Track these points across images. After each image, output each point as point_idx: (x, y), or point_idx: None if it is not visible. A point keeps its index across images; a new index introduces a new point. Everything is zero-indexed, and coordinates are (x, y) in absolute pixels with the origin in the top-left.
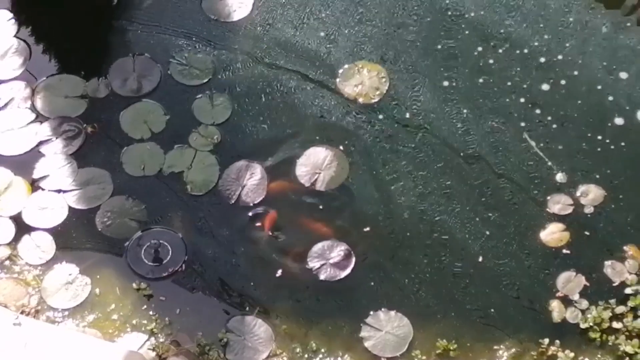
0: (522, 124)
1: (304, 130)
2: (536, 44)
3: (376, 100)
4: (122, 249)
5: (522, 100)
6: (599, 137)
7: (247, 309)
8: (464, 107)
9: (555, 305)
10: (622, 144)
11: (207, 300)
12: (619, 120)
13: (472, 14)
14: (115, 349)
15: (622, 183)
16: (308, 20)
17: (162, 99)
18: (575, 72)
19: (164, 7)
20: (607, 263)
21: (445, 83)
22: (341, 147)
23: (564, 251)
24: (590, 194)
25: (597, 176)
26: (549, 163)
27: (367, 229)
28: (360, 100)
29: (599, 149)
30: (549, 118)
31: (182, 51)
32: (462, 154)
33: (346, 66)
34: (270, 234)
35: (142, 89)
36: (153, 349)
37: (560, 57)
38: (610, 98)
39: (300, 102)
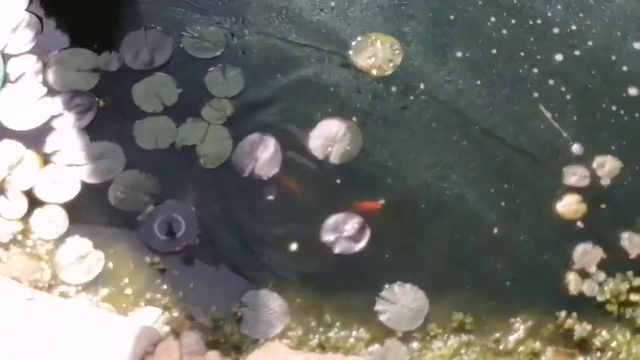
0: (536, 95)
1: (317, 102)
2: (549, 14)
3: (390, 72)
4: (135, 223)
5: (536, 70)
6: (614, 108)
7: (262, 282)
8: (478, 78)
9: (571, 277)
10: (637, 114)
11: (221, 274)
12: (633, 91)
13: None
14: (129, 324)
15: (639, 154)
16: None
17: (174, 73)
18: (590, 43)
19: None
20: (625, 235)
21: (459, 54)
22: (355, 120)
23: (580, 223)
24: (607, 166)
25: (614, 147)
26: (565, 134)
27: (382, 201)
28: (374, 72)
29: (613, 120)
30: (563, 89)
31: (194, 24)
32: (476, 125)
33: (359, 38)
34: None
35: (154, 62)
36: (167, 324)
37: (574, 27)
38: (625, 68)
39: (313, 74)
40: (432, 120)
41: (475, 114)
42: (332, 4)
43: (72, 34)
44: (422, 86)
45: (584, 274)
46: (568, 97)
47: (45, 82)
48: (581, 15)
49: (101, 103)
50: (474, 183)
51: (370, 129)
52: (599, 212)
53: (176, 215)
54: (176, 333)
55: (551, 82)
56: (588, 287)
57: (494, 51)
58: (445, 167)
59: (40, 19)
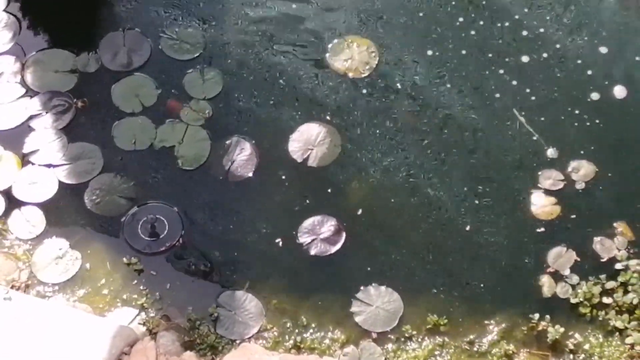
0: (498, 95)
1: (294, 105)
2: (517, 17)
3: (366, 74)
4: (113, 225)
5: (502, 71)
6: (577, 112)
7: (238, 283)
8: (449, 80)
9: (545, 280)
10: (598, 120)
11: (197, 275)
12: (595, 95)
13: None
14: (106, 324)
15: (612, 159)
16: None
17: (153, 74)
18: (557, 46)
19: None
20: (597, 239)
21: (429, 52)
22: (333, 123)
23: (555, 225)
24: (582, 170)
25: (586, 152)
26: (538, 138)
27: (358, 203)
28: (350, 74)
29: (577, 124)
30: (528, 90)
31: (172, 26)
32: (451, 127)
33: (336, 41)
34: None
35: (133, 63)
36: (143, 324)
37: (541, 30)
38: (589, 72)
39: (291, 77)
40: (408, 122)
41: (450, 116)
42: (310, 7)
43: (50, 35)
44: (397, 87)
45: (557, 277)
46: (532, 98)
47: (23, 83)
48: (548, 18)
49: (79, 104)
50: (449, 185)
51: (348, 132)
52: (573, 215)
53: (159, 216)
54: (152, 333)
55: (514, 82)
56: (561, 290)
57: (463, 52)
58: (421, 169)
59: (18, 19)
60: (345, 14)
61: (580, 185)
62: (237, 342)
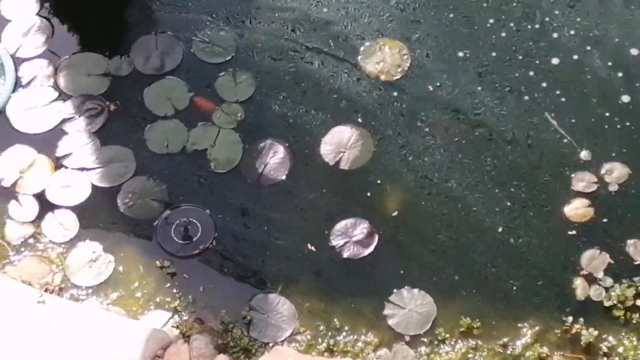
0: (527, 98)
1: (326, 108)
2: (547, 19)
3: (398, 77)
4: (146, 227)
5: (532, 73)
6: (607, 114)
7: (271, 286)
8: (480, 82)
9: (579, 282)
10: (628, 123)
11: (230, 278)
12: (626, 98)
13: None
14: (139, 327)
15: None
16: None
17: (185, 77)
18: (588, 47)
19: None
20: (630, 242)
21: (460, 54)
22: (365, 126)
23: (588, 228)
24: (615, 172)
25: (619, 154)
26: (570, 140)
27: (391, 206)
28: (382, 77)
29: (607, 126)
30: (558, 92)
31: (204, 29)
32: (483, 129)
33: (367, 44)
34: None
35: (165, 66)
36: (176, 327)
37: (572, 32)
38: (620, 74)
39: (323, 80)
40: (441, 125)
41: (482, 119)
42: (342, 9)
43: (82, 38)
44: (430, 90)
45: (591, 279)
46: (563, 100)
47: (56, 86)
48: (579, 20)
49: (112, 107)
50: (482, 188)
51: (380, 135)
52: (606, 217)
53: (192, 219)
54: (186, 336)
55: (544, 84)
56: (595, 293)
57: (494, 54)
58: (454, 171)
59: (51, 23)
60: (376, 16)
61: (613, 188)
62: (270, 345)
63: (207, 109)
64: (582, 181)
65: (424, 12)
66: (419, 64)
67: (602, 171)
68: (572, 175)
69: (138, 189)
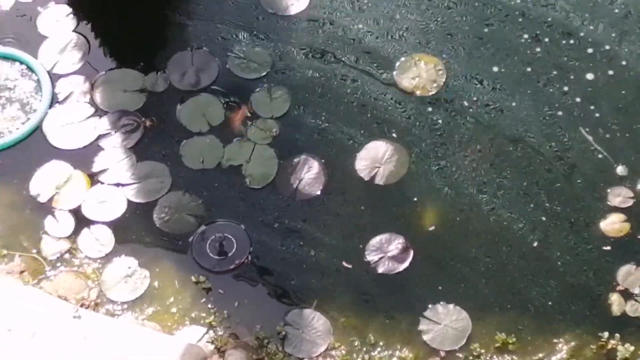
0: (571, 115)
1: (362, 123)
2: (582, 34)
3: (433, 92)
4: (181, 243)
5: (566, 88)
6: None
7: (306, 302)
8: (515, 97)
9: (615, 298)
10: None
11: (265, 293)
12: None
13: (518, 1)
14: (174, 342)
15: None
16: (363, 13)
17: (220, 93)
18: (624, 62)
19: (221, 0)
20: None
21: (495, 69)
22: (400, 141)
23: (624, 243)
24: None
25: None
26: (607, 156)
27: (425, 221)
28: (418, 92)
29: None
30: (592, 107)
31: (240, 45)
32: (518, 145)
33: (403, 59)
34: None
35: (200, 82)
36: (212, 342)
37: (607, 47)
38: None
39: (358, 95)
40: (476, 140)
41: (517, 134)
42: (376, 25)
43: (118, 54)
44: (465, 105)
45: (627, 295)
46: (597, 115)
47: (92, 102)
48: (614, 35)
49: (148, 123)
50: (517, 203)
51: (416, 151)
52: None
53: (227, 234)
54: (221, 351)
55: (578, 100)
56: (631, 308)
57: (529, 69)
58: (490, 186)
59: (87, 40)
60: (412, 32)
61: None
62: None
63: (241, 116)
64: (619, 196)
65: (458, 27)
66: (454, 79)
67: (639, 187)
68: (609, 190)
69: (174, 204)
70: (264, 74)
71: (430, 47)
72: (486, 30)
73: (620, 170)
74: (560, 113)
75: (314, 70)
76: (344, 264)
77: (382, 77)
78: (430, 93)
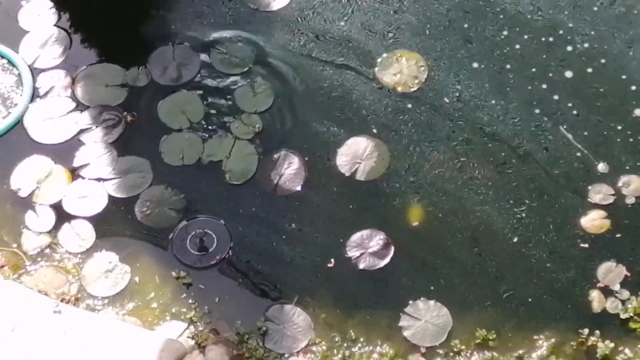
0: (550, 113)
1: (343, 119)
2: (561, 32)
3: (415, 88)
4: (162, 238)
5: (545, 86)
6: (619, 128)
7: (286, 297)
8: (495, 94)
9: (595, 295)
10: (638, 137)
11: (246, 289)
12: (638, 112)
13: None
14: (155, 337)
15: None
16: (345, 10)
17: (202, 88)
18: (602, 60)
19: None
20: None
21: (475, 65)
22: (381, 137)
23: (605, 240)
24: (632, 185)
25: (637, 167)
26: (586, 153)
27: (406, 218)
28: (399, 89)
29: (619, 140)
30: (570, 105)
31: (222, 40)
32: (499, 142)
33: (385, 55)
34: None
35: (182, 77)
36: (192, 337)
37: (586, 45)
38: (633, 88)
39: (340, 91)
40: (457, 137)
41: (497, 131)
42: (359, 22)
43: (100, 49)
44: (446, 102)
45: (607, 292)
46: (574, 112)
47: (73, 97)
48: (593, 33)
49: (129, 118)
50: (497, 200)
51: (397, 146)
52: (623, 230)
53: (208, 230)
54: (201, 347)
55: (556, 97)
56: (611, 305)
57: (508, 66)
58: (471, 184)
59: (69, 34)
60: (393, 28)
61: (630, 200)
62: (286, 356)
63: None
64: (599, 193)
65: (440, 23)
66: (436, 75)
67: (619, 184)
68: (589, 187)
69: (156, 198)
70: (247, 69)
71: (412, 44)
72: (466, 26)
73: (601, 167)
74: (537, 111)
75: (296, 65)
76: (329, 265)
77: (364, 73)
78: (412, 89)
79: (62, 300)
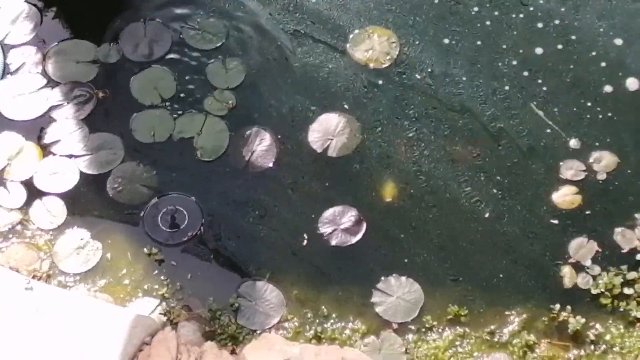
0: (520, 89)
1: (314, 95)
2: (532, 9)
3: (387, 64)
4: (134, 214)
5: (515, 62)
6: (589, 104)
7: (259, 274)
8: (466, 70)
9: (566, 270)
10: (610, 113)
11: (218, 265)
12: (608, 88)
13: None
14: (127, 314)
15: (633, 151)
16: None
17: (174, 64)
18: (573, 37)
19: None
20: (618, 230)
21: (446, 41)
22: (353, 113)
23: (576, 215)
24: (604, 161)
25: (610, 143)
26: (557, 129)
27: (378, 194)
28: (371, 65)
29: (600, 116)
30: (540, 82)
31: (194, 16)
32: (469, 118)
33: (357, 31)
34: None
35: (154, 54)
36: (164, 314)
37: (557, 21)
38: (603, 64)
39: (312, 67)
40: (428, 113)
41: (468, 108)
42: None
43: (71, 25)
44: (417, 78)
45: (578, 268)
46: (544, 88)
47: (44, 73)
48: (563, 10)
49: (100, 94)
50: (469, 176)
51: (368, 123)
52: (594, 206)
53: (179, 207)
54: (173, 323)
55: (526, 74)
56: (582, 281)
57: (479, 42)
58: (441, 160)
59: (40, 10)
60: (365, 4)
61: (602, 176)
62: (258, 332)
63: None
64: (571, 169)
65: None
66: (407, 51)
67: (591, 160)
68: (561, 163)
69: (128, 174)
70: (219, 44)
71: (384, 20)
72: (437, 1)
73: (573, 143)
74: (507, 87)
75: (268, 41)
76: (304, 240)
77: (335, 48)
78: (384, 65)
79: (33, 277)
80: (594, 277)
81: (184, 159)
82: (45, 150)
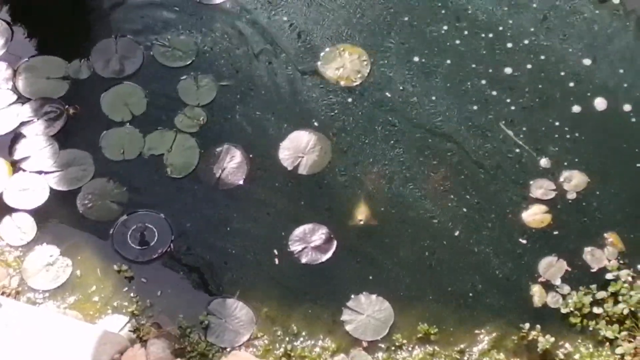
0: (489, 109)
1: (285, 113)
2: (501, 28)
3: (358, 82)
4: (103, 231)
5: (483, 82)
6: (557, 124)
7: (229, 291)
8: (436, 90)
9: (536, 289)
10: (577, 134)
11: (188, 282)
12: (576, 108)
13: None
14: (96, 331)
15: (602, 171)
16: (288, 4)
17: (145, 81)
18: (542, 57)
19: None
20: (587, 249)
21: (416, 59)
22: (323, 131)
23: (546, 235)
24: (573, 180)
25: (580, 163)
26: (526, 149)
27: (348, 212)
28: (342, 83)
29: (568, 136)
30: (509, 101)
31: (165, 33)
32: (439, 137)
33: (327, 49)
34: None
35: (125, 70)
36: (134, 331)
37: (526, 42)
38: (571, 84)
39: (283, 85)
40: (398, 132)
41: (437, 127)
42: (302, 16)
43: (42, 41)
44: (388, 96)
45: (548, 286)
46: (512, 108)
47: (15, 89)
48: (533, 30)
49: (71, 111)
50: (439, 195)
51: (339, 141)
52: (564, 225)
53: (148, 224)
54: (143, 341)
55: (495, 93)
56: (552, 300)
57: (448, 61)
58: (411, 179)
59: (10, 25)
60: (336, 23)
61: (571, 195)
62: (228, 350)
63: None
64: (541, 188)
65: (382, 18)
66: (378, 70)
67: (561, 179)
68: (531, 182)
69: (98, 190)
70: (190, 62)
71: (355, 38)
72: (406, 19)
73: (543, 162)
74: (476, 107)
75: (238, 58)
76: (275, 258)
77: (306, 67)
78: (355, 84)
79: (2, 294)
80: (564, 296)
81: (154, 176)
82: (15, 166)
